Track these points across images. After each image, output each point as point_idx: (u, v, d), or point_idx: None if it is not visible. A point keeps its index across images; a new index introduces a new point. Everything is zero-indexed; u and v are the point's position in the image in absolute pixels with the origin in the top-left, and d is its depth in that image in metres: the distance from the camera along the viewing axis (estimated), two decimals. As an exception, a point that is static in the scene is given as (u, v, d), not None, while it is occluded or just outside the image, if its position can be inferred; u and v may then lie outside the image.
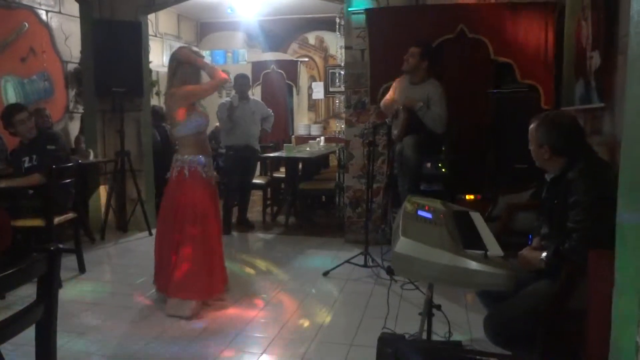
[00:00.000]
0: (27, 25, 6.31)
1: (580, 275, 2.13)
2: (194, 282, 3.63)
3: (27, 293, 3.51)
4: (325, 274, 4.48)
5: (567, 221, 2.34)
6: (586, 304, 1.96)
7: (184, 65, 3.71)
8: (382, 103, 4.91)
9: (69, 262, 4.47)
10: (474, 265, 1.96)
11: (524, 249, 2.63)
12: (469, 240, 2.19)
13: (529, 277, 2.46)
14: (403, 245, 1.99)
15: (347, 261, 4.58)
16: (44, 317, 1.39)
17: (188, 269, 3.64)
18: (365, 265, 4.55)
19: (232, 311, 3.74)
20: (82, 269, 4.56)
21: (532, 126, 2.53)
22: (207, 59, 10.36)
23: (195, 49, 4.07)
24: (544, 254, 2.40)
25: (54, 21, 6.73)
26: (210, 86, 3.78)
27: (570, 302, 2.25)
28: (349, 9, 5.36)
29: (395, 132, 4.73)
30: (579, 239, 2.26)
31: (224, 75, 3.80)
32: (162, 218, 3.87)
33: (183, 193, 3.69)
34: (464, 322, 3.43)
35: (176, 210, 3.72)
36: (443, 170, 4.74)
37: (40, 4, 6.50)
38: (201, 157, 3.74)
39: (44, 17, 6.58)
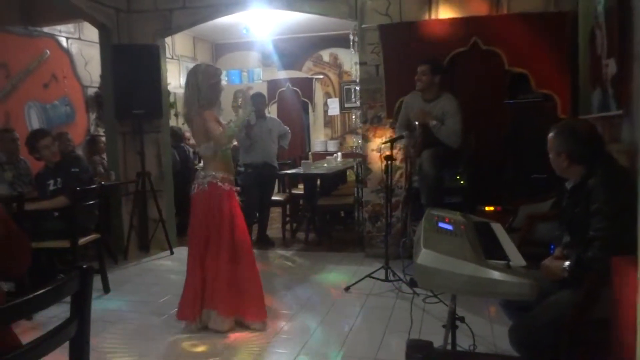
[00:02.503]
0: (48, 52, 6.49)
1: (603, 283, 2.12)
2: (231, 298, 3.64)
3: (53, 313, 3.58)
4: (347, 289, 4.48)
5: (589, 229, 2.33)
6: (610, 312, 1.95)
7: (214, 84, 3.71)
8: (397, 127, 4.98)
9: (93, 282, 4.52)
10: (496, 275, 1.96)
11: (547, 258, 2.62)
12: (491, 251, 2.19)
13: (552, 286, 2.45)
14: (425, 257, 2.00)
15: (368, 276, 4.57)
16: (77, 334, 1.44)
17: (225, 285, 3.63)
18: (386, 280, 4.54)
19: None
20: (106, 288, 4.63)
21: (550, 135, 2.54)
22: (224, 79, 10.50)
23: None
24: (567, 263, 2.39)
25: (74, 47, 6.91)
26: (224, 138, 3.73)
27: (593, 311, 2.23)
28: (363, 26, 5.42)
29: (412, 149, 4.75)
30: (601, 247, 2.25)
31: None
32: (196, 237, 3.75)
33: (223, 206, 3.65)
34: (488, 334, 3.41)
35: (213, 226, 3.67)
36: (462, 182, 4.74)
37: (60, 31, 6.69)
38: (229, 174, 3.78)
39: (64, 43, 6.76)
